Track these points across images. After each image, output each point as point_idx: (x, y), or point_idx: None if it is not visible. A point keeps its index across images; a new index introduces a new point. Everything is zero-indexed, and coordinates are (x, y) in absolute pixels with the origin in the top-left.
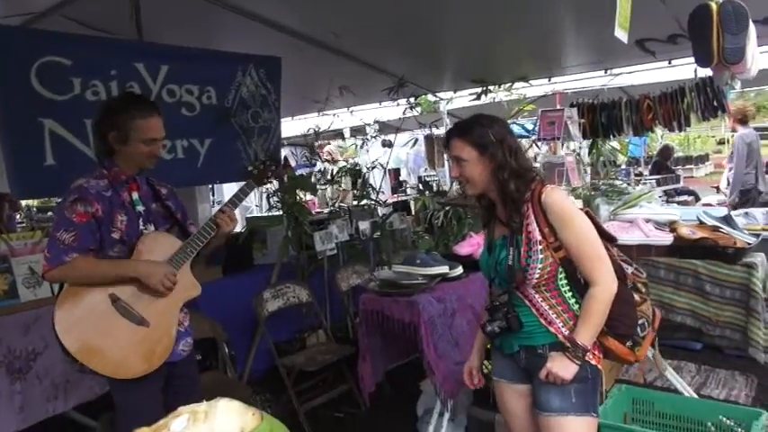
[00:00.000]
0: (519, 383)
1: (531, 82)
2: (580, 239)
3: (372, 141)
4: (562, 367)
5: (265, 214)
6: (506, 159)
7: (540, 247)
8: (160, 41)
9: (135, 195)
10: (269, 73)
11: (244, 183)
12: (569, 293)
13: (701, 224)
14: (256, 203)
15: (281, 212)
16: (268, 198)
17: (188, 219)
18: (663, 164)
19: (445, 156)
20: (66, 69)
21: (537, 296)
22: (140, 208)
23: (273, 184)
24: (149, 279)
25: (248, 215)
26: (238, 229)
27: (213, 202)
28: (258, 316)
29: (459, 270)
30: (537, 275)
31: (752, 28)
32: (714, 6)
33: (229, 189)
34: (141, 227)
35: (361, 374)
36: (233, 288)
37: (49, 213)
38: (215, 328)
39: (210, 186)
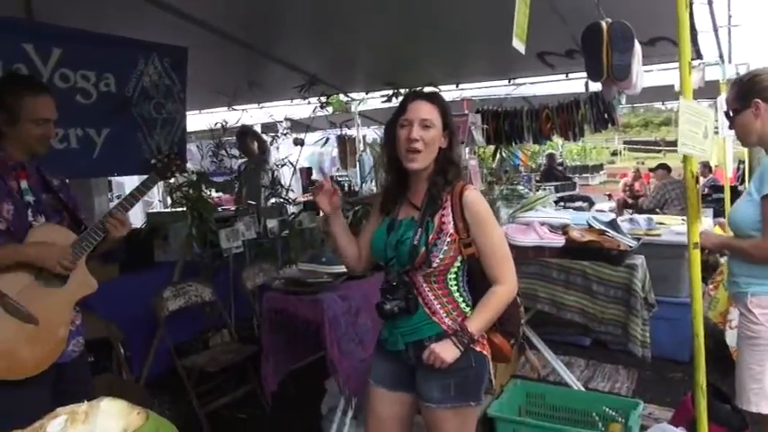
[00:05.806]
0: (397, 391)
1: (440, 87)
2: (494, 240)
3: (283, 139)
4: (444, 349)
5: (168, 210)
6: (454, 146)
7: (448, 238)
8: (53, 22)
9: (24, 184)
10: (174, 63)
11: (146, 176)
12: (455, 287)
13: (591, 228)
14: (159, 198)
15: (184, 208)
16: (171, 193)
17: (81, 214)
18: (550, 169)
19: (357, 156)
20: None
21: (425, 285)
22: (30, 198)
23: (178, 179)
24: (45, 261)
25: (150, 210)
26: (138, 224)
27: (111, 196)
28: (157, 315)
29: None
30: (437, 263)
31: (637, 48)
32: (604, 26)
33: (131, 182)
34: (30, 218)
35: (263, 374)
36: (131, 286)
37: None
38: (109, 328)
39: (108, 179)
